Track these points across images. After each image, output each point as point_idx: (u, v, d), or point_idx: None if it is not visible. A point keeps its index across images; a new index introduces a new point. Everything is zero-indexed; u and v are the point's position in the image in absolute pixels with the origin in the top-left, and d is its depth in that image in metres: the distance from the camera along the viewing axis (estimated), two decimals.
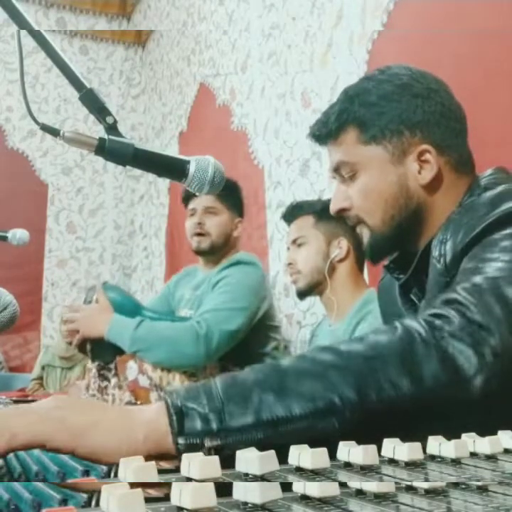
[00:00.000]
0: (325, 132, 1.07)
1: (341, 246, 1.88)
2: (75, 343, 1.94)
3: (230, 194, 2.17)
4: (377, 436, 0.61)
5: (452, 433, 0.64)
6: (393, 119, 1.02)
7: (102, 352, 1.94)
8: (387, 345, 0.68)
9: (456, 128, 1.04)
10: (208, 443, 0.59)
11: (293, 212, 1.98)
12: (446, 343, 0.68)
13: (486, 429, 0.61)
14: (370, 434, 0.61)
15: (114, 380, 1.83)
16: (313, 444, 0.60)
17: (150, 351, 1.91)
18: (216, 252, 2.20)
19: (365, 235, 1.07)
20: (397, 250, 1.12)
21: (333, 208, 1.09)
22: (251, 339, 2.06)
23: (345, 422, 0.62)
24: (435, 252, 0.93)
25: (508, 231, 0.83)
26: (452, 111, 1.04)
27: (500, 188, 0.94)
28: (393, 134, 1.02)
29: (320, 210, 1.88)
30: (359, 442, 0.61)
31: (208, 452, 0.58)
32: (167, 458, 0.60)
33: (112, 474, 0.58)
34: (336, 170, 1.07)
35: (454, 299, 0.75)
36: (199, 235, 2.18)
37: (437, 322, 0.71)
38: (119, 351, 1.93)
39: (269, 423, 0.61)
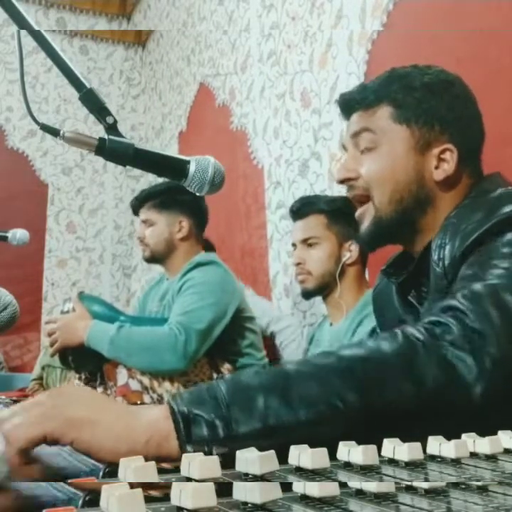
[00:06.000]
0: (359, 99, 1.08)
1: (352, 249, 1.86)
2: (52, 351, 1.94)
3: (167, 199, 2.21)
4: (378, 434, 0.62)
5: (453, 437, 0.65)
6: (430, 110, 1.04)
7: (84, 361, 1.93)
8: (389, 351, 0.69)
9: (479, 139, 1.07)
10: (215, 451, 0.58)
11: (303, 209, 1.92)
12: (446, 351, 0.69)
13: (486, 433, 0.62)
14: (373, 438, 0.63)
15: (99, 390, 1.83)
16: (319, 446, 0.61)
17: (130, 357, 1.93)
18: (162, 259, 2.26)
19: (368, 215, 1.06)
20: (393, 241, 1.12)
21: (339, 176, 1.09)
22: (230, 333, 2.08)
23: (349, 426, 0.63)
24: (434, 256, 0.94)
25: (507, 237, 0.83)
26: (480, 123, 1.07)
27: (498, 192, 0.95)
28: (425, 124, 1.03)
29: (332, 210, 1.85)
30: (360, 439, 0.62)
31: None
32: (165, 460, 0.60)
33: (102, 473, 0.58)
34: (355, 136, 1.07)
35: (452, 305, 0.75)
36: (142, 246, 2.28)
37: (437, 330, 0.71)
38: (102, 359, 1.93)
39: (276, 429, 0.61)
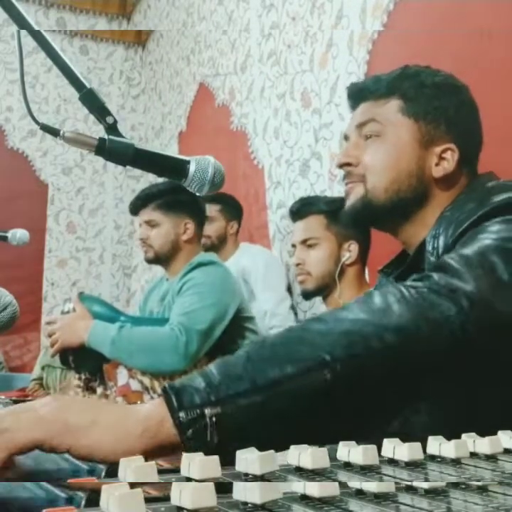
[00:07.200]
0: (372, 89, 1.09)
1: (351, 249, 1.86)
2: (53, 352, 1.94)
3: (171, 200, 2.19)
4: (369, 390, 0.65)
5: (438, 385, 0.69)
6: (439, 109, 1.06)
7: (85, 361, 1.93)
8: (369, 306, 0.70)
9: (479, 144, 1.10)
10: (208, 412, 0.60)
11: (302, 210, 1.93)
12: (424, 295, 0.70)
13: (473, 386, 0.66)
14: (362, 387, 0.65)
15: (99, 390, 1.83)
16: (308, 400, 0.63)
17: (131, 358, 1.92)
18: (165, 260, 2.24)
19: (355, 194, 1.07)
20: (378, 227, 1.14)
21: (340, 160, 1.10)
22: (231, 333, 2.08)
23: (336, 376, 0.64)
24: (429, 247, 0.96)
25: (495, 220, 0.84)
26: (481, 130, 1.10)
27: (489, 185, 0.98)
28: (432, 122, 1.05)
29: (331, 211, 1.86)
30: (351, 396, 0.65)
31: (210, 423, 0.60)
32: (163, 452, 0.60)
33: (103, 473, 0.58)
34: (361, 126, 1.09)
35: (438, 265, 0.77)
36: (144, 247, 2.25)
37: (417, 283, 0.73)
38: (102, 359, 1.93)
39: (265, 386, 0.63)
